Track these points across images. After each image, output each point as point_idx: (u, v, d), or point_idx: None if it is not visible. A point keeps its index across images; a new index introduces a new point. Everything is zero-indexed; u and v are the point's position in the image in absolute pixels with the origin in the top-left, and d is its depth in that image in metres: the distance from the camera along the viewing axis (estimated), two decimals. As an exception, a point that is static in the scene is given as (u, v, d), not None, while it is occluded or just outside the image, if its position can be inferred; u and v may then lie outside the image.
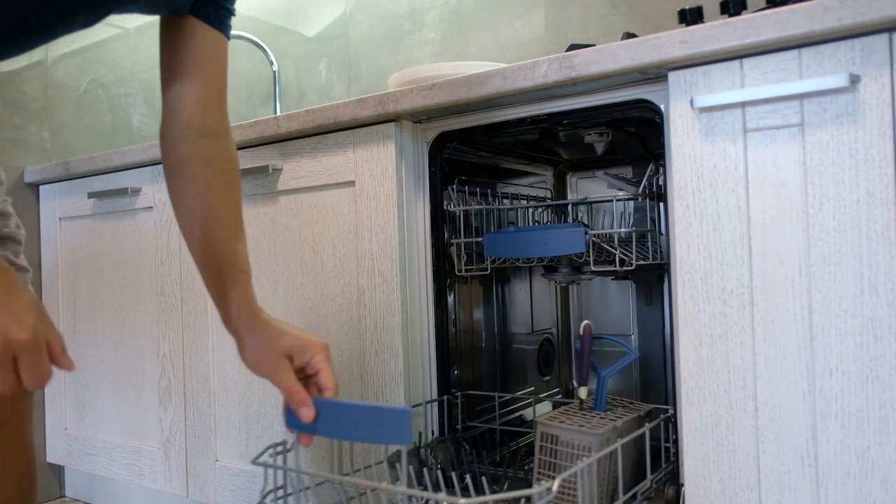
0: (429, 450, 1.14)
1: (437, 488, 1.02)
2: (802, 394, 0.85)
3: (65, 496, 1.87)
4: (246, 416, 1.40)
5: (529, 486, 1.09)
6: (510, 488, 1.11)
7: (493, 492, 0.78)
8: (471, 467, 1.17)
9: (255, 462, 0.86)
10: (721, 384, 0.90)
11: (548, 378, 1.67)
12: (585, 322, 1.13)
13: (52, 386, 1.80)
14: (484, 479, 0.95)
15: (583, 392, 1.14)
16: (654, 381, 1.52)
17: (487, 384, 1.49)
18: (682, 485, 0.95)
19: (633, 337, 1.58)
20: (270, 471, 0.88)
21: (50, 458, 1.82)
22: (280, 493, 0.89)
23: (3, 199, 0.94)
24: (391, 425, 0.73)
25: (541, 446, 1.06)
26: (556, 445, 1.03)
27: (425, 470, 1.09)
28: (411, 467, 1.08)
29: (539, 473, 1.06)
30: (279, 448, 0.90)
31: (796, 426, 0.86)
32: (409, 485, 1.07)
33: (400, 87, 1.20)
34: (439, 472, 0.95)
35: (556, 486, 0.73)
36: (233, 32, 0.99)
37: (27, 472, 0.95)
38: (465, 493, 1.02)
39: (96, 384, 1.70)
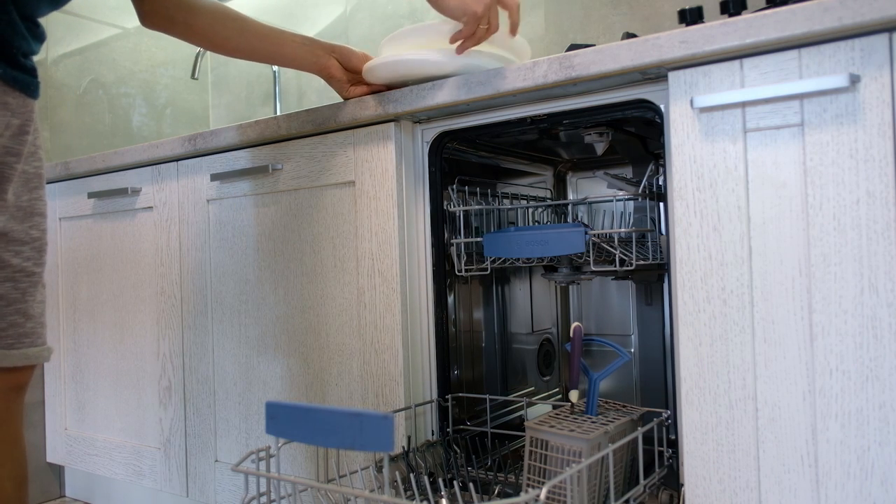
0: (416, 454, 1.13)
1: (423, 495, 1.01)
2: (802, 394, 0.85)
3: (65, 496, 1.87)
4: (246, 416, 1.40)
5: (520, 491, 1.07)
6: (501, 494, 1.10)
7: (480, 499, 0.77)
8: (461, 472, 1.16)
9: (235, 469, 0.84)
10: (721, 384, 0.90)
11: (548, 378, 1.67)
12: (575, 324, 1.12)
13: (52, 386, 1.80)
14: (472, 486, 0.94)
15: (574, 395, 1.13)
16: (653, 381, 1.52)
17: (488, 384, 1.49)
18: (682, 485, 0.95)
19: (633, 337, 1.58)
20: (252, 478, 0.86)
21: (50, 458, 1.82)
22: (263, 500, 0.87)
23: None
24: (372, 432, 0.73)
25: (531, 451, 1.04)
26: (546, 451, 1.02)
27: (413, 475, 1.08)
28: (398, 473, 1.07)
29: (529, 479, 1.04)
30: (261, 454, 0.88)
31: (796, 426, 0.86)
32: (395, 491, 1.05)
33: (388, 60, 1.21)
34: (427, 479, 0.94)
35: (543, 493, 0.71)
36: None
37: (21, 471, 0.96)
38: (452, 500, 1.01)
39: (96, 384, 1.70)
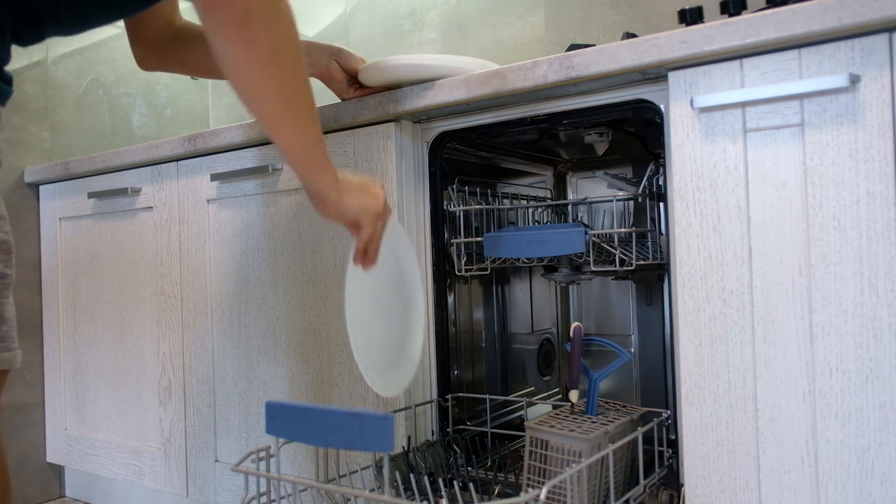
0: (416, 454, 1.13)
1: (423, 495, 1.01)
2: (802, 394, 0.85)
3: (65, 496, 1.87)
4: (246, 416, 1.40)
5: (520, 491, 1.07)
6: (501, 494, 1.10)
7: (480, 499, 0.77)
8: (461, 472, 1.16)
9: (235, 469, 0.84)
10: (721, 384, 0.90)
11: (548, 378, 1.67)
12: (575, 324, 1.12)
13: (52, 386, 1.80)
14: (472, 486, 0.94)
15: (574, 395, 1.12)
16: (653, 381, 1.52)
17: (488, 384, 1.49)
18: (682, 485, 0.95)
19: (633, 337, 1.58)
20: (252, 478, 0.86)
21: (50, 458, 1.82)
22: (263, 500, 0.87)
23: None
24: (372, 432, 0.73)
25: (531, 451, 1.04)
26: (546, 451, 1.01)
27: (413, 475, 1.08)
28: (398, 473, 1.07)
29: (529, 479, 1.04)
30: (261, 454, 0.88)
31: (796, 426, 0.86)
32: (395, 491, 1.05)
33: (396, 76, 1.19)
34: (427, 479, 0.93)
35: (543, 493, 0.71)
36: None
37: (3, 476, 0.93)
38: (452, 500, 1.01)
39: (96, 384, 1.70)
